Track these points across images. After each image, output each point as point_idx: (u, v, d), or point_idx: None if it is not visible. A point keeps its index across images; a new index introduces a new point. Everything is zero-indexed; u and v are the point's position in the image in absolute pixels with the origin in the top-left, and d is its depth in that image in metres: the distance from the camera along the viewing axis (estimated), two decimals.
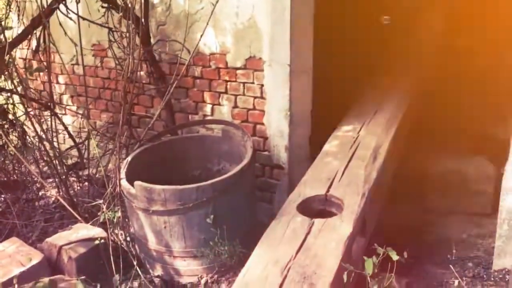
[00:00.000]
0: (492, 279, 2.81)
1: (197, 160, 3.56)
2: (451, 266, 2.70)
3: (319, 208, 2.66)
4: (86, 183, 3.81)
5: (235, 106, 3.65)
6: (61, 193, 3.54)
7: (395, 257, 1.86)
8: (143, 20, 3.55)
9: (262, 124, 3.57)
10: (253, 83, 3.53)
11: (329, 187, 2.71)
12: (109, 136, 3.80)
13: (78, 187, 3.85)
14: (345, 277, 1.99)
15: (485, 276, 2.86)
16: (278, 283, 2.02)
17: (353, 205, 2.51)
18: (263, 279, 2.06)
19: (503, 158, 2.93)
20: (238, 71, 3.57)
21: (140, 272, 2.98)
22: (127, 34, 3.36)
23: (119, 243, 3.13)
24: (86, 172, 3.84)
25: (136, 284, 3.00)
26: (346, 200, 2.56)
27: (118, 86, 3.97)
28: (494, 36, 4.70)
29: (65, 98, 4.71)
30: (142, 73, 3.90)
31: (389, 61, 4.74)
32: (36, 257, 2.82)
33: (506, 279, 2.73)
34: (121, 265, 2.90)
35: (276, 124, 3.49)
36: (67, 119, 4.48)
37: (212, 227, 2.85)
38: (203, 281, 2.97)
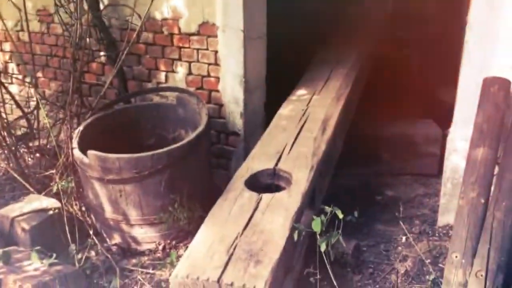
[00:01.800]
0: (437, 234, 3.00)
1: (152, 129, 3.53)
2: (400, 222, 2.84)
3: (268, 183, 2.64)
4: (37, 154, 3.71)
5: (190, 73, 3.62)
6: (11, 165, 3.44)
7: (340, 215, 1.94)
8: None
9: (217, 91, 3.56)
10: (207, 49, 3.50)
11: (278, 160, 2.69)
12: (59, 105, 3.69)
13: (29, 159, 3.74)
14: (295, 235, 2.05)
15: (430, 232, 3.04)
16: (224, 262, 2.00)
17: (302, 179, 2.50)
18: (208, 258, 2.03)
19: (450, 121, 3.07)
20: (192, 37, 3.52)
21: (97, 241, 2.98)
22: None
23: (74, 213, 3.10)
24: (36, 143, 3.74)
25: (93, 253, 3.00)
26: (294, 173, 2.55)
27: (67, 54, 3.83)
28: (447, 4, 4.82)
29: (11, 66, 4.52)
30: (91, 39, 3.77)
31: (342, 27, 4.79)
32: None
33: (449, 234, 2.91)
34: (77, 235, 2.89)
35: (231, 91, 3.49)
36: (14, 88, 4.31)
37: (169, 194, 2.87)
38: (161, 247, 3.00)
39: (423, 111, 4.58)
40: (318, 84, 3.57)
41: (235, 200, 2.39)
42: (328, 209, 1.91)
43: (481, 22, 2.76)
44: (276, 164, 2.66)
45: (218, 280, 1.94)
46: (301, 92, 3.51)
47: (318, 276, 2.05)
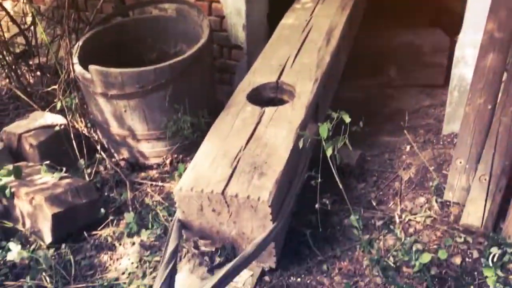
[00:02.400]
0: (441, 143, 3.01)
1: (152, 43, 3.44)
2: (405, 132, 2.84)
3: (270, 96, 2.59)
4: (38, 72, 3.67)
5: None
6: (12, 83, 3.41)
7: (347, 119, 1.93)
8: None
9: (218, 2, 3.43)
10: None
11: (281, 73, 2.62)
12: (56, 20, 3.57)
13: (30, 77, 3.70)
14: (301, 143, 2.05)
15: (435, 140, 3.05)
16: (228, 174, 2.01)
17: (305, 92, 2.44)
18: (212, 171, 2.04)
19: (458, 29, 2.97)
20: None
21: (105, 156, 3.01)
22: None
23: (80, 129, 3.11)
24: (36, 61, 3.67)
25: (101, 168, 3.05)
26: (298, 86, 2.49)
27: None
28: None
29: None
30: None
31: None
32: None
33: (454, 142, 2.92)
34: (85, 151, 2.92)
35: (233, 2, 3.36)
36: (7, 4, 4.16)
37: (173, 108, 2.85)
38: (168, 161, 3.04)
39: (430, 20, 4.45)
40: None
41: (237, 114, 2.35)
42: (334, 114, 1.89)
43: None
44: (279, 77, 2.60)
45: (223, 192, 1.96)
46: (304, 0, 3.38)
47: (320, 180, 2.09)
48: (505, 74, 2.58)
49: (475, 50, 2.68)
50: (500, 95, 2.52)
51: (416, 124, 3.31)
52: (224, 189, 1.97)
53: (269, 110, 2.35)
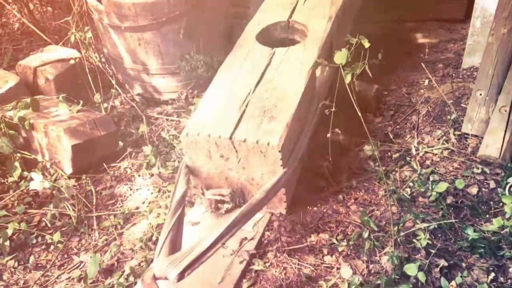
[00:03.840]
0: (461, 77, 2.94)
1: None
2: (423, 65, 2.77)
3: (281, 37, 2.43)
4: (49, 7, 3.60)
5: None
6: (25, 18, 3.36)
7: (366, 44, 1.87)
8: None
9: None
10: None
11: (292, 12, 2.45)
12: None
13: (42, 11, 3.64)
14: (318, 71, 2.01)
15: (454, 74, 2.98)
16: (236, 118, 1.90)
17: (319, 31, 2.28)
18: (219, 115, 1.93)
19: None
20: None
21: (120, 91, 3.00)
22: None
23: (94, 63, 3.09)
24: None
25: (117, 102, 3.05)
26: (310, 25, 2.33)
27: None
28: None
29: None
30: None
31: None
32: (12, 80, 2.79)
33: (474, 76, 2.86)
34: (100, 85, 2.91)
35: None
36: None
37: (187, 42, 2.81)
38: (183, 96, 3.03)
39: None
40: None
41: (246, 56, 2.22)
42: (353, 40, 1.83)
43: None
44: (290, 16, 2.43)
45: (231, 137, 1.86)
46: None
47: (334, 109, 2.04)
48: None
49: None
50: None
51: (435, 58, 3.23)
52: (232, 133, 1.88)
53: (279, 51, 2.22)
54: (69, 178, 2.46)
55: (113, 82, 3.00)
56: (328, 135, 2.18)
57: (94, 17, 2.91)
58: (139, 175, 2.52)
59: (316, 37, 2.26)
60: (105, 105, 2.95)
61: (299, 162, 2.13)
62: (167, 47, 2.86)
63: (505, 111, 2.30)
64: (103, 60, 3.18)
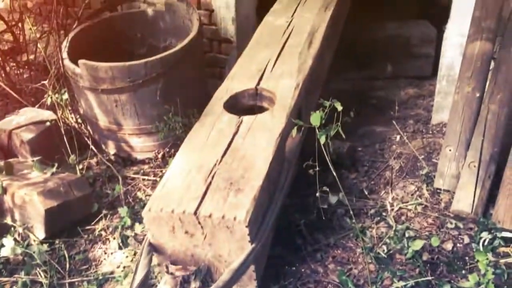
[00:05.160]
0: (431, 132, 3.04)
1: (142, 38, 3.43)
2: (394, 122, 2.86)
3: (249, 104, 2.40)
4: (27, 68, 3.63)
5: None
6: (1, 80, 3.37)
7: (339, 107, 1.93)
8: None
9: None
10: None
11: (260, 79, 2.43)
12: (44, 16, 3.54)
13: (19, 73, 3.66)
14: (294, 131, 2.04)
15: (424, 130, 3.08)
16: (202, 192, 1.82)
17: (286, 98, 2.25)
18: (184, 190, 1.85)
19: (444, 21, 3.00)
20: None
21: (96, 151, 3.00)
22: None
23: (70, 124, 3.09)
24: (24, 58, 3.63)
25: (93, 163, 3.04)
26: (278, 92, 2.30)
27: None
28: None
29: None
30: None
31: None
32: None
33: (443, 131, 2.95)
34: (76, 146, 2.90)
35: None
36: None
37: (164, 102, 2.85)
38: (160, 156, 3.03)
39: (417, 12, 4.48)
40: None
41: (213, 125, 2.16)
42: (326, 103, 1.90)
43: None
44: (258, 83, 2.40)
45: (195, 212, 1.77)
46: (285, 2, 3.21)
47: (317, 168, 2.06)
48: (492, 62, 2.62)
49: (463, 38, 2.72)
50: (488, 83, 2.56)
51: (405, 114, 3.34)
52: (197, 208, 1.78)
53: (247, 119, 2.16)
54: (42, 243, 2.39)
55: (89, 142, 3.00)
56: (317, 194, 2.18)
57: (71, 80, 2.94)
58: (114, 238, 2.47)
59: (284, 105, 2.23)
60: (81, 166, 2.93)
61: (269, 235, 2.04)
62: (144, 108, 2.89)
63: (474, 166, 2.37)
64: (79, 120, 3.19)
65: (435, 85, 3.13)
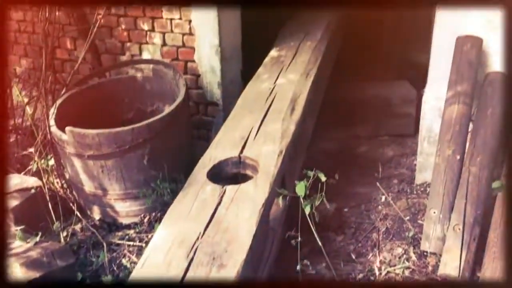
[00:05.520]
0: (415, 192, 3.07)
1: (129, 103, 3.48)
2: (377, 184, 2.90)
3: (233, 172, 2.38)
4: (14, 134, 3.63)
5: (164, 44, 3.56)
6: None
7: (323, 178, 1.95)
8: None
9: (193, 61, 3.52)
10: (180, 19, 3.43)
11: (243, 147, 2.42)
12: (32, 82, 3.59)
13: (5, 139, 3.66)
14: (280, 201, 2.05)
15: (408, 190, 3.11)
16: (183, 268, 1.76)
17: (269, 166, 2.23)
18: (165, 265, 1.78)
19: (424, 81, 3.11)
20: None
21: (81, 217, 2.96)
22: None
23: (56, 190, 3.07)
24: (12, 123, 3.65)
25: (78, 229, 2.99)
26: (261, 160, 2.29)
27: (36, 29, 3.71)
28: None
29: None
30: (60, 13, 3.65)
31: None
32: None
33: (427, 191, 2.98)
34: (61, 212, 2.87)
35: (208, 61, 3.45)
36: None
37: (151, 167, 2.86)
38: (146, 220, 3.01)
39: (398, 73, 4.64)
40: (285, 60, 3.33)
41: (197, 195, 2.13)
42: (310, 173, 1.92)
43: None
44: (241, 151, 2.39)
45: None
46: (267, 69, 3.28)
47: (299, 239, 2.06)
48: (471, 125, 2.70)
49: (441, 101, 2.80)
50: (468, 145, 2.62)
51: (389, 174, 3.38)
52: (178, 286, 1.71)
53: (230, 189, 2.13)
54: None
55: (74, 208, 2.97)
56: (298, 267, 2.15)
57: (57, 146, 2.95)
58: None
59: (267, 173, 2.21)
60: (65, 233, 2.88)
61: None
62: (131, 173, 2.90)
63: (459, 229, 2.38)
64: (64, 186, 3.17)
65: (417, 143, 3.19)
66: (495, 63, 2.75)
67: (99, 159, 2.84)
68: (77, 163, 2.92)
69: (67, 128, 2.81)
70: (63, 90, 3.32)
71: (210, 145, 2.50)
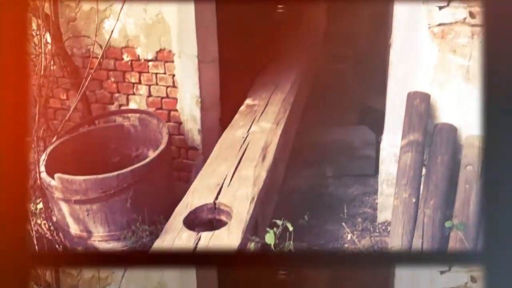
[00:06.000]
0: (377, 231, 3.00)
1: (116, 148, 3.37)
2: (343, 224, 2.83)
3: (208, 218, 2.29)
4: None
5: (149, 95, 3.48)
6: None
7: (291, 228, 1.88)
8: (53, 17, 3.23)
9: (176, 110, 3.45)
10: (165, 73, 3.38)
11: (218, 193, 2.34)
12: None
13: None
14: (252, 246, 1.96)
15: (371, 228, 3.04)
16: None
17: (242, 213, 2.16)
18: None
19: (382, 126, 3.09)
20: (150, 63, 3.39)
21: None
22: (38, 32, 3.04)
23: (43, 233, 2.89)
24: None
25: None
26: (235, 206, 2.21)
27: (31, 81, 3.59)
28: (376, 24, 4.90)
29: None
30: (54, 67, 3.56)
31: (284, 46, 4.77)
32: None
33: (388, 230, 2.92)
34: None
35: (189, 110, 3.39)
36: None
37: (133, 210, 2.73)
38: None
39: (359, 118, 4.66)
40: (258, 109, 3.28)
41: (173, 242, 2.03)
42: (279, 222, 1.85)
43: (402, 43, 2.80)
44: (216, 198, 2.31)
45: None
46: (241, 118, 3.22)
47: None
48: (424, 169, 2.67)
49: (397, 148, 2.78)
50: (421, 188, 2.58)
51: (354, 212, 3.32)
52: None
53: (205, 235, 2.04)
54: None
55: (60, 249, 2.80)
56: None
57: (46, 191, 2.80)
58: None
59: (240, 219, 2.13)
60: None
61: None
62: (114, 216, 2.76)
63: None
64: (52, 228, 3.00)
65: (378, 182, 3.15)
66: (442, 115, 2.77)
67: (85, 203, 2.71)
68: (64, 207, 2.77)
69: (56, 175, 2.68)
70: (54, 137, 3.19)
71: (187, 192, 2.40)
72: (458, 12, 2.62)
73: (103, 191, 2.67)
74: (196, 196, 2.34)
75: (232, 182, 2.43)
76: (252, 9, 4.93)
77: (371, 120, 4.31)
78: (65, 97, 3.75)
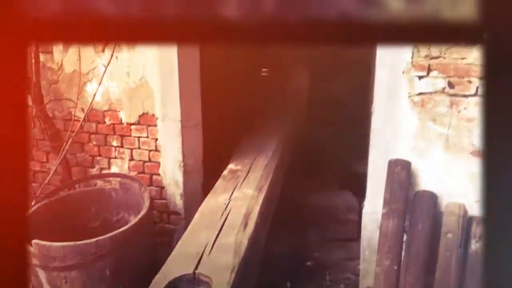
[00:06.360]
0: None
1: (96, 212, 3.43)
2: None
3: None
4: None
5: (131, 159, 3.60)
6: None
7: None
8: (34, 79, 3.38)
9: (158, 174, 3.56)
10: (147, 137, 3.52)
11: (198, 263, 2.32)
12: None
13: None
14: None
15: None
16: None
17: (223, 283, 2.15)
18: None
19: (364, 190, 3.23)
20: (132, 127, 3.53)
21: None
22: None
23: None
24: None
25: None
26: (215, 277, 2.20)
27: None
28: (359, 89, 5.21)
29: None
30: (35, 130, 3.68)
31: (267, 110, 5.01)
32: None
33: None
34: None
35: (171, 174, 3.51)
36: None
37: (113, 278, 2.76)
38: None
39: (341, 182, 4.82)
40: (240, 177, 3.36)
41: None
42: None
43: (383, 110, 2.97)
44: (196, 267, 2.29)
45: None
46: (223, 185, 3.30)
47: None
48: (405, 236, 2.80)
49: (378, 215, 2.92)
50: (403, 255, 2.71)
51: (337, 278, 3.39)
52: None
53: None
54: None
55: None
56: None
57: None
58: None
59: None
60: None
61: None
62: (93, 283, 2.78)
63: None
64: None
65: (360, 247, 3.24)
66: (422, 182, 2.93)
67: (63, 271, 2.73)
68: (41, 274, 2.79)
69: (33, 241, 2.71)
70: (33, 202, 3.25)
71: (166, 262, 2.39)
72: (438, 82, 2.80)
73: (81, 258, 2.71)
74: (176, 265, 2.34)
75: (213, 251, 2.43)
76: (236, 71, 5.22)
77: (355, 183, 4.48)
78: (45, 160, 3.85)
